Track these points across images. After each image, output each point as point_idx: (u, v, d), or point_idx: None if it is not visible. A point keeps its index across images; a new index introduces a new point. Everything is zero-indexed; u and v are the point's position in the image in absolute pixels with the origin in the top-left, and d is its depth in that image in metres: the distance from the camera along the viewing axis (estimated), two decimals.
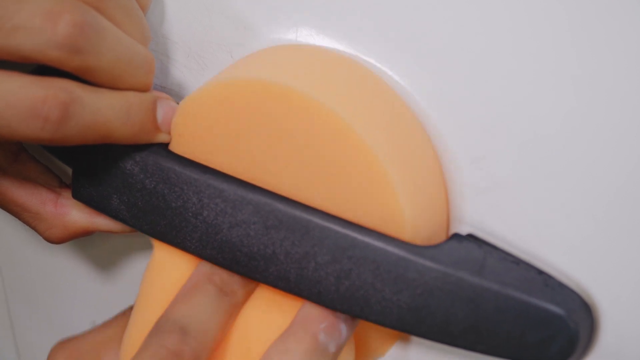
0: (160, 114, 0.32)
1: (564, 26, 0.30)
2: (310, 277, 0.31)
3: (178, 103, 0.34)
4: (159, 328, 0.31)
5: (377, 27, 0.32)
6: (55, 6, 0.28)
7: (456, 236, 0.31)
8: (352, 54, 0.32)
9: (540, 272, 0.30)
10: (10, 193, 0.35)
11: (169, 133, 0.33)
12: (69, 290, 0.42)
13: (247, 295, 0.33)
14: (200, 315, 0.31)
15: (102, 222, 0.35)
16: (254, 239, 0.31)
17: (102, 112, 0.29)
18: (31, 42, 0.27)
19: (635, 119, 0.29)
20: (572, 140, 0.30)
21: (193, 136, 0.32)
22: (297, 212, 0.30)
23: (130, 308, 0.35)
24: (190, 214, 0.32)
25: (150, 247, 0.35)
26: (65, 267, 0.42)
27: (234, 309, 0.32)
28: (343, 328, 0.31)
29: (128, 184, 0.33)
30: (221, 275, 0.32)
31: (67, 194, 0.36)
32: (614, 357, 0.31)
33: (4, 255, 0.44)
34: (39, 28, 0.27)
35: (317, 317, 0.31)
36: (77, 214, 0.35)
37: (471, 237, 0.31)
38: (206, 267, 0.33)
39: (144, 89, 0.31)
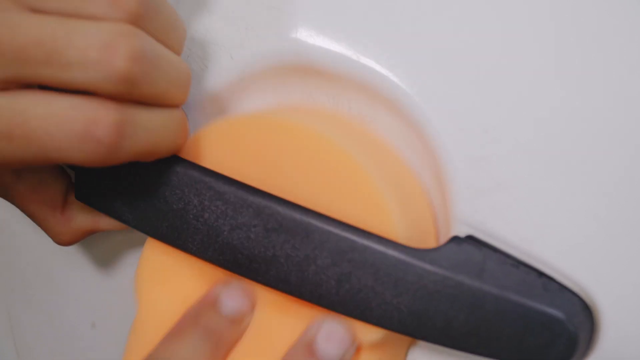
0: None
1: (565, 27, 0.30)
2: (311, 280, 0.31)
3: None
4: None
5: (377, 28, 0.32)
6: (110, 37, 0.26)
7: (455, 239, 0.31)
8: (350, 56, 0.33)
9: (541, 275, 0.30)
10: (21, 204, 0.35)
11: None
12: (69, 291, 0.42)
13: (236, 336, 0.33)
14: (183, 354, 0.31)
15: (105, 221, 0.36)
16: (255, 241, 0.31)
17: (155, 132, 0.29)
18: (86, 77, 0.26)
19: (637, 120, 0.29)
20: (572, 141, 0.30)
21: (203, 160, 0.33)
22: (297, 215, 0.30)
23: None
24: (191, 216, 0.32)
25: None
26: (66, 267, 0.42)
27: (220, 351, 0.32)
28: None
29: (130, 185, 0.33)
30: (207, 318, 0.32)
31: (73, 197, 0.36)
32: (614, 359, 0.31)
33: (4, 255, 0.44)
34: (96, 63, 0.26)
35: (303, 354, 0.31)
36: (81, 217, 0.35)
37: (471, 240, 0.31)
38: (193, 312, 0.33)
39: (182, 103, 0.31)
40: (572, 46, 0.30)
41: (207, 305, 0.32)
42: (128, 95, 0.27)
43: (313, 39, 0.33)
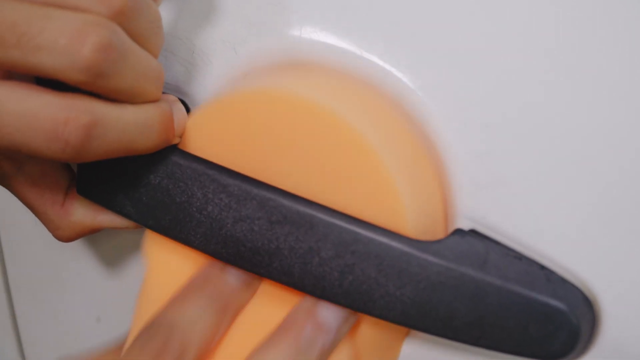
0: (175, 119, 0.32)
1: (569, 24, 0.30)
2: (314, 272, 0.31)
3: (181, 100, 0.34)
4: (148, 326, 0.31)
5: (380, 23, 0.32)
6: (81, 26, 0.27)
7: (459, 231, 0.31)
8: (354, 51, 0.33)
9: (543, 268, 0.30)
10: (21, 194, 0.35)
11: (180, 136, 0.33)
12: (74, 286, 0.42)
13: (245, 300, 0.33)
14: (189, 314, 0.31)
15: (106, 219, 0.36)
16: (258, 234, 0.31)
17: (126, 131, 0.29)
18: (53, 62, 0.27)
19: (637, 116, 0.29)
20: (575, 136, 0.30)
21: (202, 141, 0.33)
22: (301, 208, 0.31)
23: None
24: (194, 209, 0.32)
25: None
26: (70, 263, 0.42)
27: (229, 312, 0.32)
28: (331, 328, 0.31)
29: (132, 179, 0.33)
30: (216, 281, 0.32)
31: (75, 192, 0.36)
32: (615, 352, 0.31)
33: (8, 250, 0.44)
34: (63, 49, 0.26)
35: (303, 316, 0.31)
36: (81, 213, 0.35)
37: (474, 233, 0.31)
38: (202, 273, 0.33)
39: (156, 100, 0.31)
40: (575, 43, 0.30)
41: (216, 268, 0.33)
42: (95, 87, 0.28)
43: (317, 34, 0.33)
